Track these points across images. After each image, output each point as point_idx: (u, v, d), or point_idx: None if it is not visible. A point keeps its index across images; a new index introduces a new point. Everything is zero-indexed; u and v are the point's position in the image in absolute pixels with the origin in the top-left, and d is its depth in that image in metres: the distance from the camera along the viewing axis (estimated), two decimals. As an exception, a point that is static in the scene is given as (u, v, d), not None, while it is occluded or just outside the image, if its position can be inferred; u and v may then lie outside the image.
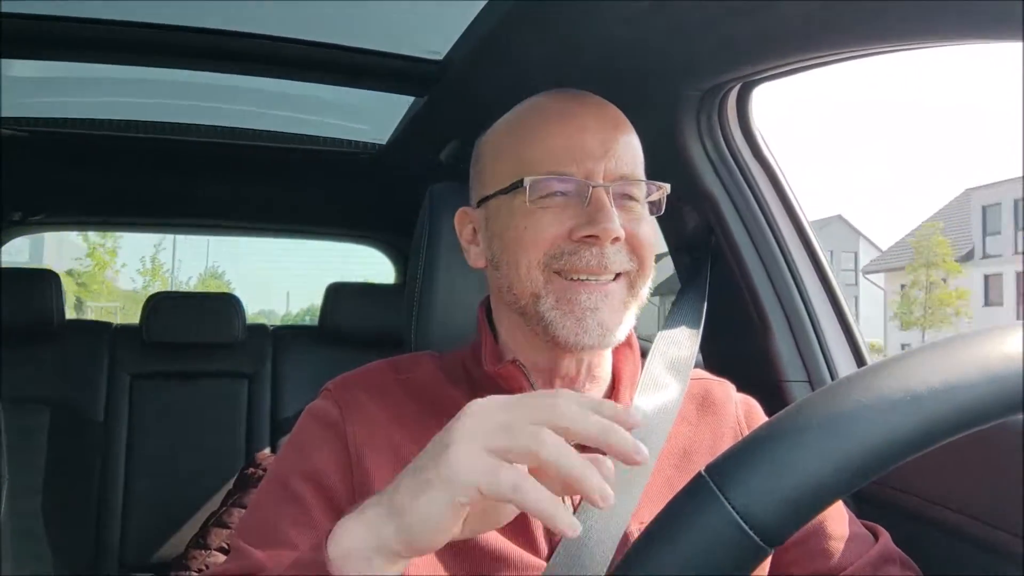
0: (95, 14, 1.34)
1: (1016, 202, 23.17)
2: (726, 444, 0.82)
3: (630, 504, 0.77)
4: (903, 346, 23.61)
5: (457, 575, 0.74)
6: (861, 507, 1.07)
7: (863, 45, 0.99)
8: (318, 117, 2.01)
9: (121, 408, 2.24)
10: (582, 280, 0.76)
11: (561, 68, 1.21)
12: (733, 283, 1.32)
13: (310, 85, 1.64)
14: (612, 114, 0.82)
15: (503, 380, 0.80)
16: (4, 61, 1.56)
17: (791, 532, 0.45)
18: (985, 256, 24.31)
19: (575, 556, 0.74)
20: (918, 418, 0.46)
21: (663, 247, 1.31)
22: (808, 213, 1.33)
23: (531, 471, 0.52)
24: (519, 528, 0.76)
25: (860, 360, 1.28)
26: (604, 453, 0.54)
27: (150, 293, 2.48)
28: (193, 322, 2.31)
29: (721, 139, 1.31)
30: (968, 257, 24.56)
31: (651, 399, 0.86)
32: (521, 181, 0.76)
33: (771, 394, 1.16)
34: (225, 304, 2.37)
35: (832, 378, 1.26)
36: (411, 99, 1.70)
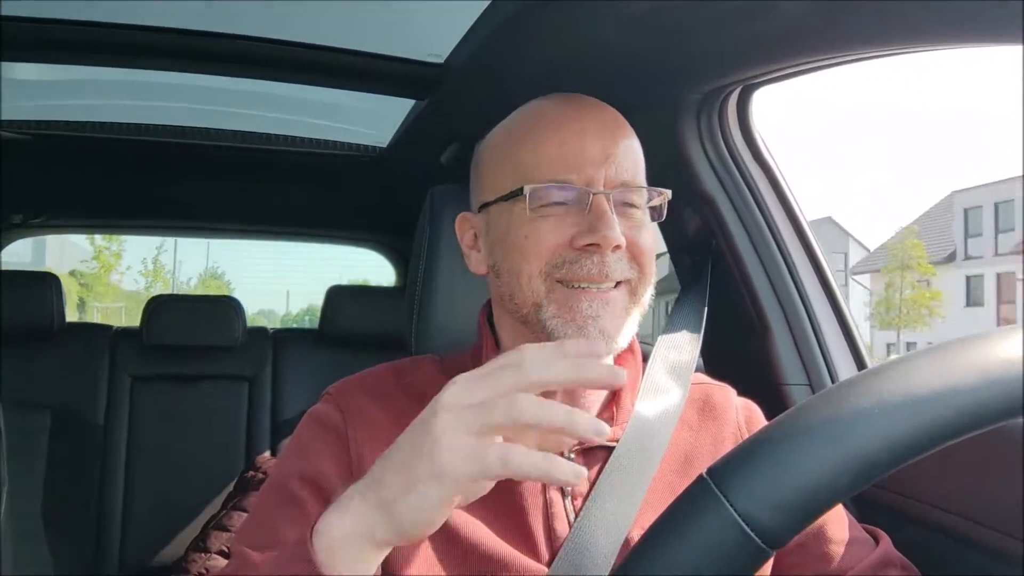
0: (96, 17, 1.34)
1: (997, 205, 23.64)
2: (727, 449, 0.82)
3: (631, 509, 0.77)
4: (888, 346, 24.00)
5: None
6: (862, 511, 1.07)
7: (864, 48, 0.99)
8: (319, 120, 2.01)
9: (121, 411, 2.24)
10: (583, 288, 0.75)
11: (562, 71, 1.22)
12: (733, 286, 1.32)
13: (311, 88, 1.65)
14: (612, 118, 0.82)
15: None
16: (5, 64, 1.56)
17: (793, 534, 0.45)
18: (967, 258, 24.76)
19: (576, 561, 0.74)
20: (919, 421, 0.46)
21: (662, 248, 1.31)
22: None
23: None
24: (521, 534, 0.76)
25: (860, 363, 1.28)
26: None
27: (152, 293, 2.49)
28: (193, 325, 2.31)
29: (721, 142, 1.31)
30: (951, 258, 25.07)
31: (652, 404, 0.86)
32: (521, 189, 0.76)
33: (771, 397, 1.16)
34: (225, 307, 2.37)
35: (832, 381, 1.26)
36: (412, 102, 1.70)
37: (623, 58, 1.16)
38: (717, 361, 1.25)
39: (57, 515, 2.06)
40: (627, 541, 0.76)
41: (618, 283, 0.77)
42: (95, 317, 17.07)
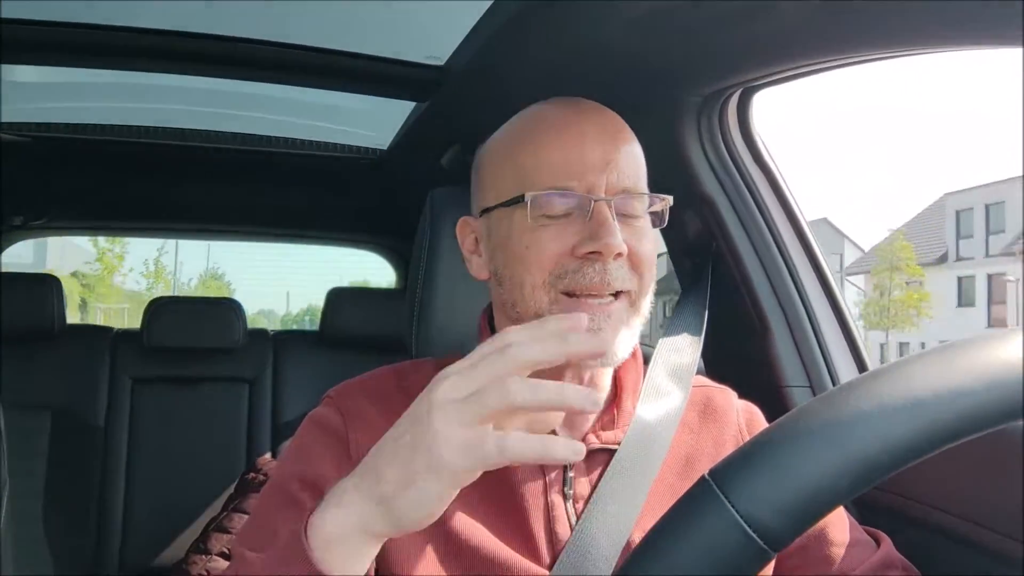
0: (97, 19, 1.34)
1: (988, 207, 24.14)
2: (728, 451, 0.81)
3: (633, 512, 0.77)
4: (881, 346, 24.27)
5: None
6: (863, 513, 1.07)
7: (864, 51, 1.00)
8: (319, 122, 2.01)
9: (122, 413, 2.24)
10: (586, 302, 0.75)
11: (562, 74, 1.22)
12: (734, 288, 1.32)
13: (311, 90, 1.65)
14: (613, 123, 0.81)
15: None
16: (5, 66, 1.56)
17: (795, 536, 0.45)
18: (959, 259, 25.23)
19: (578, 564, 0.74)
20: (920, 423, 0.46)
21: (662, 248, 1.31)
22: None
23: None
24: (522, 536, 0.76)
25: (861, 365, 1.28)
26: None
27: (154, 294, 2.49)
28: (194, 327, 2.31)
29: (722, 144, 1.31)
30: (943, 260, 25.59)
31: (654, 407, 0.86)
32: (522, 196, 0.76)
33: (772, 399, 1.16)
34: (226, 309, 2.37)
35: (833, 383, 1.26)
36: (413, 104, 1.70)
37: (623, 60, 1.16)
38: (718, 363, 1.26)
39: (57, 517, 2.06)
40: (628, 544, 0.76)
41: (619, 294, 0.76)
42: (99, 317, 17.34)
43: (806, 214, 1.33)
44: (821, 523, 0.79)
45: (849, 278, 27.85)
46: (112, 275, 19.33)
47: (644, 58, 1.15)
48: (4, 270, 2.29)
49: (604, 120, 0.81)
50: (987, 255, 24.00)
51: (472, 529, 0.75)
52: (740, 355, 1.32)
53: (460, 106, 1.56)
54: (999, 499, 0.89)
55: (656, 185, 0.82)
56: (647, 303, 0.80)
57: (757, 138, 1.32)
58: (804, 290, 1.29)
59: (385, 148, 2.04)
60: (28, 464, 2.04)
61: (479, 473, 0.55)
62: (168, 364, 2.30)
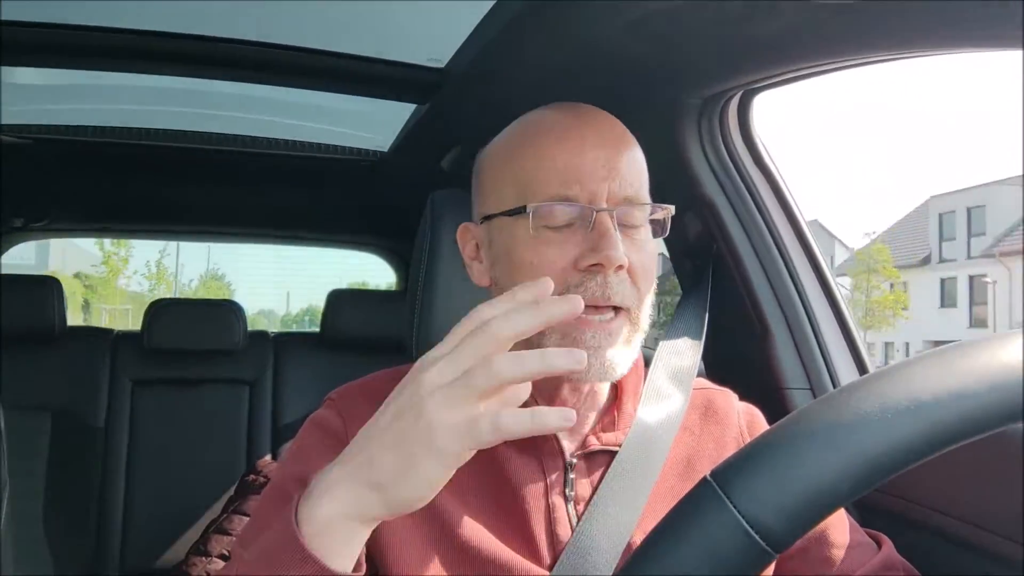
0: (96, 21, 1.35)
1: (969, 210, 24.85)
2: (729, 453, 0.82)
3: (633, 514, 0.77)
4: (869, 346, 24.84)
5: None
6: (864, 515, 1.07)
7: (865, 53, 1.00)
8: (320, 124, 2.01)
9: (122, 414, 2.24)
10: (587, 319, 0.74)
11: (562, 76, 1.22)
12: (735, 290, 1.32)
13: (311, 93, 1.65)
14: (615, 130, 0.81)
15: None
16: (5, 68, 1.56)
17: (796, 537, 0.45)
18: (941, 260, 25.92)
19: (578, 565, 0.74)
20: (922, 425, 0.46)
21: (662, 249, 1.31)
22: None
23: None
24: (523, 538, 0.76)
25: (862, 368, 1.28)
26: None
27: (156, 295, 2.50)
28: (194, 329, 2.31)
29: (722, 146, 1.31)
30: (926, 261, 26.35)
31: (654, 409, 0.86)
32: (524, 207, 0.76)
33: (772, 401, 1.16)
34: (226, 311, 2.37)
35: (834, 386, 1.26)
36: (413, 106, 1.70)
37: (624, 62, 1.17)
38: (718, 365, 1.26)
39: (58, 518, 2.06)
40: (629, 545, 0.76)
41: (618, 311, 0.76)
42: (103, 318, 17.58)
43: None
44: (822, 525, 0.79)
45: (837, 280, 28.66)
46: (117, 277, 19.79)
47: (644, 60, 1.15)
48: (7, 272, 2.28)
49: (606, 127, 0.80)
50: (968, 257, 24.68)
51: (473, 531, 0.75)
52: (740, 357, 1.32)
53: (461, 108, 1.56)
54: (999, 501, 0.89)
55: (656, 187, 0.82)
56: (646, 317, 0.79)
57: (757, 140, 1.32)
58: (804, 292, 1.29)
59: (386, 150, 2.04)
60: (28, 465, 2.04)
61: (475, 452, 0.55)
62: (168, 366, 2.30)
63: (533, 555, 0.76)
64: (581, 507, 0.78)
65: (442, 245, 1.00)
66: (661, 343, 1.03)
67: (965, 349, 0.49)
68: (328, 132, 2.05)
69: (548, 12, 1.08)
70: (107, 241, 17.74)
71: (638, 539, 0.77)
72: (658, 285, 0.86)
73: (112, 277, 19.58)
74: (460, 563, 0.74)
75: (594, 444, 0.81)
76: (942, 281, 25.66)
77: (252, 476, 2.06)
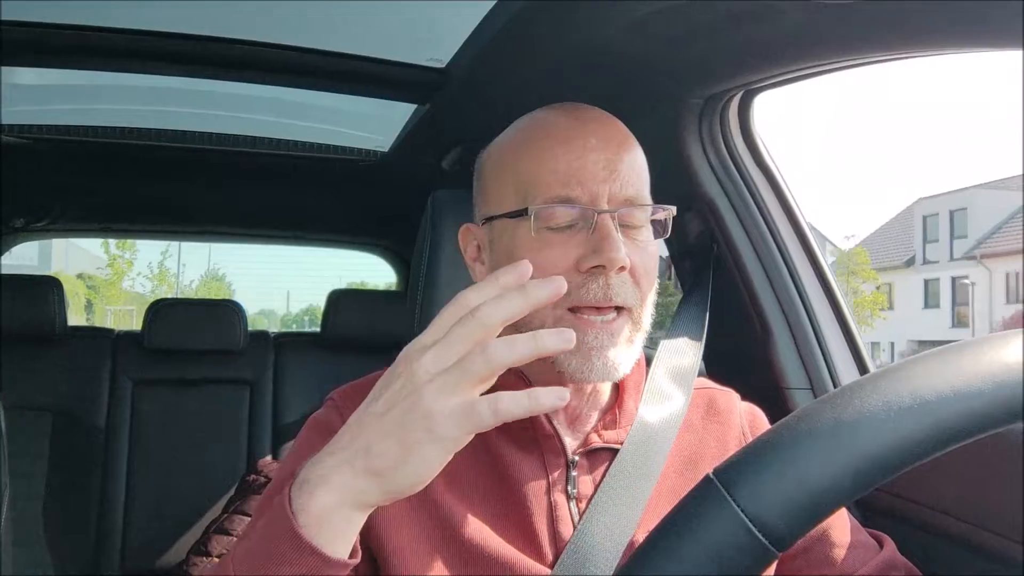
0: (97, 21, 1.35)
1: (952, 213, 25.60)
2: (731, 452, 0.82)
3: (636, 512, 0.77)
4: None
5: None
6: (865, 515, 1.07)
7: (865, 53, 1.00)
8: (321, 124, 2.01)
9: (123, 414, 2.24)
10: (589, 320, 0.75)
11: (563, 75, 1.22)
12: (735, 290, 1.32)
13: (312, 92, 1.65)
14: (616, 132, 0.81)
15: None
16: (5, 68, 1.56)
17: (799, 536, 0.45)
18: (925, 262, 26.58)
19: (580, 563, 0.74)
20: (925, 423, 0.46)
21: (663, 251, 1.31)
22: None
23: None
24: (525, 536, 0.76)
25: (862, 367, 1.28)
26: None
27: (158, 295, 2.50)
28: (195, 329, 2.31)
29: (723, 146, 1.31)
30: (910, 263, 27.03)
31: (656, 407, 0.86)
32: (526, 209, 0.76)
33: (773, 401, 1.16)
34: (227, 311, 2.37)
35: (834, 385, 1.26)
36: (414, 106, 1.70)
37: (624, 62, 1.17)
38: (719, 365, 1.25)
39: (58, 518, 2.06)
40: (631, 543, 0.76)
41: (620, 311, 0.76)
42: (108, 318, 17.79)
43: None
44: (824, 524, 0.79)
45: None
46: (122, 279, 20.27)
47: (645, 60, 1.15)
48: (10, 272, 2.28)
49: (607, 128, 0.81)
50: (951, 259, 25.38)
51: (475, 529, 0.75)
52: (741, 357, 1.32)
53: (461, 108, 1.56)
54: (1000, 501, 0.89)
55: (657, 187, 0.82)
56: (648, 316, 0.80)
57: (758, 140, 1.32)
58: (805, 292, 1.29)
59: (386, 150, 2.04)
60: (29, 466, 2.04)
61: (472, 436, 0.56)
62: (169, 366, 2.30)
63: (535, 553, 0.76)
64: (583, 505, 0.78)
65: (443, 245, 1.00)
66: (662, 342, 1.03)
67: (967, 348, 0.49)
68: (329, 132, 2.05)
69: (548, 12, 1.08)
70: (112, 244, 18.25)
71: (640, 537, 0.77)
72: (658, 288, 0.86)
73: (117, 279, 20.04)
74: (462, 561, 0.74)
75: (596, 442, 0.81)
76: (926, 282, 26.35)
77: (253, 476, 2.06)
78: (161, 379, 2.30)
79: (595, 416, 0.83)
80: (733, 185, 1.31)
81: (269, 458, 2.25)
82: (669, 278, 1.43)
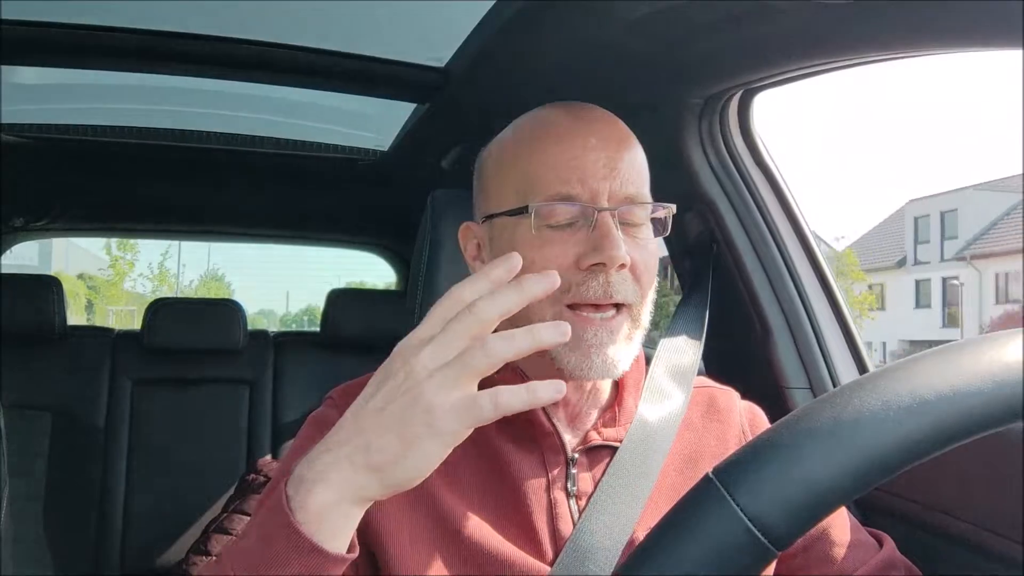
0: (97, 20, 1.35)
1: (943, 214, 25.98)
2: (731, 451, 0.82)
3: (635, 509, 0.78)
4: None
5: None
6: (865, 514, 1.07)
7: (864, 53, 1.00)
8: (320, 124, 2.01)
9: (122, 414, 2.24)
10: (588, 317, 0.75)
11: (563, 75, 1.22)
12: (735, 289, 1.32)
13: (312, 92, 1.65)
14: (617, 130, 0.81)
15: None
16: (5, 67, 1.56)
17: (799, 535, 0.45)
18: (916, 263, 26.91)
19: (580, 561, 0.74)
20: (925, 423, 0.46)
21: (663, 252, 1.31)
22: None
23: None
24: (525, 533, 0.76)
25: (862, 367, 1.28)
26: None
27: (157, 296, 2.50)
28: (194, 328, 2.31)
29: (723, 146, 1.31)
30: (902, 263, 27.38)
31: (655, 405, 0.86)
32: (526, 207, 0.76)
33: (772, 400, 1.16)
34: (226, 310, 2.37)
35: (833, 385, 1.26)
36: (414, 106, 1.70)
37: (624, 62, 1.17)
38: (718, 364, 1.26)
39: (58, 518, 2.06)
40: (631, 541, 0.76)
41: (620, 308, 0.77)
42: (110, 318, 17.94)
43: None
44: (823, 523, 0.79)
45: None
46: (123, 280, 20.49)
47: (645, 60, 1.15)
48: (10, 272, 2.28)
49: (607, 127, 0.81)
50: (942, 260, 25.73)
51: (475, 527, 0.75)
52: (740, 356, 1.32)
53: (461, 107, 1.56)
54: (1000, 501, 0.89)
55: (657, 187, 0.82)
56: (647, 314, 0.80)
57: (758, 139, 1.32)
58: (804, 291, 1.29)
59: (386, 149, 2.04)
60: (28, 465, 2.04)
61: (472, 429, 0.57)
62: (168, 365, 2.30)
63: (535, 550, 0.76)
64: (583, 502, 0.78)
65: (442, 244, 1.00)
66: (662, 341, 1.03)
67: (967, 347, 0.50)
68: (328, 131, 2.05)
69: (548, 12, 1.08)
70: (114, 246, 18.44)
71: (640, 535, 0.77)
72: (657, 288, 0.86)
73: (119, 280, 20.28)
74: (462, 560, 0.74)
75: (595, 440, 0.81)
76: (917, 283, 26.70)
77: (252, 475, 2.06)
78: (161, 378, 2.30)
79: (595, 414, 0.83)
80: (733, 185, 1.31)
81: (269, 457, 2.25)
82: (665, 277, 1.43)
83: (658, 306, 0.85)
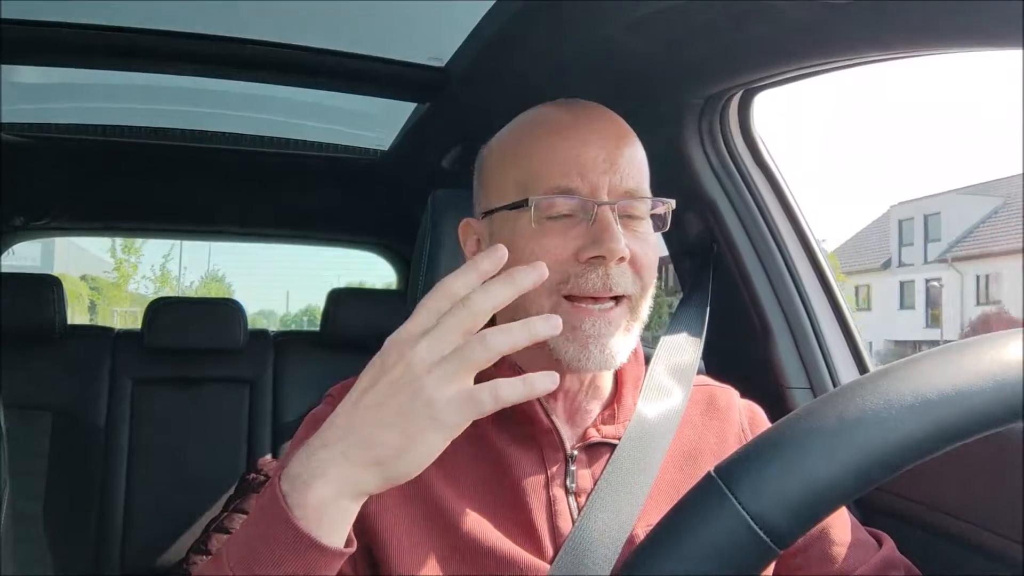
0: (98, 20, 1.35)
1: (926, 217, 26.52)
2: (730, 449, 0.82)
3: (635, 506, 0.78)
4: None
5: None
6: (865, 514, 1.07)
7: (864, 53, 1.00)
8: (321, 123, 2.01)
9: (123, 413, 2.24)
10: (586, 308, 0.76)
11: (563, 75, 1.22)
12: (735, 289, 1.32)
13: (312, 91, 1.65)
14: (616, 126, 0.81)
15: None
16: (5, 67, 1.56)
17: (801, 533, 0.45)
18: (901, 265, 27.35)
19: (579, 558, 0.74)
20: (926, 422, 0.46)
21: (663, 251, 1.31)
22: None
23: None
24: (524, 531, 0.76)
25: (862, 367, 1.28)
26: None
27: (158, 296, 2.49)
28: (195, 328, 2.31)
29: (723, 146, 1.31)
30: (887, 265, 27.81)
31: (655, 403, 0.87)
32: (526, 200, 0.76)
33: (772, 400, 1.16)
34: (227, 310, 2.37)
35: (834, 384, 1.26)
36: (414, 105, 1.70)
37: (624, 62, 1.17)
38: (718, 364, 1.25)
39: (58, 517, 2.06)
40: (631, 538, 0.76)
41: (619, 300, 0.77)
42: (114, 319, 18.06)
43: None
44: (823, 522, 0.79)
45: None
46: (127, 282, 20.69)
47: (645, 60, 1.15)
48: (12, 272, 2.28)
49: (607, 123, 0.81)
50: (925, 262, 26.21)
51: (474, 524, 0.75)
52: (741, 356, 1.32)
53: (461, 107, 1.56)
54: (1000, 501, 0.89)
55: (657, 186, 0.83)
56: (646, 307, 0.80)
57: (758, 139, 1.32)
58: (805, 291, 1.29)
59: (387, 149, 2.04)
60: (29, 465, 2.03)
61: (471, 422, 0.57)
62: (169, 365, 2.30)
63: (534, 547, 0.76)
64: (582, 499, 0.79)
65: (443, 243, 1.00)
66: (662, 339, 1.03)
67: (968, 347, 0.50)
68: (329, 131, 2.05)
69: (548, 12, 1.08)
70: (119, 249, 18.63)
71: (639, 532, 0.77)
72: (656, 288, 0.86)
73: (123, 282, 20.50)
74: (461, 557, 0.74)
75: (595, 436, 0.81)
76: (901, 284, 27.10)
77: (253, 475, 2.06)
78: (161, 378, 2.30)
79: (594, 410, 0.83)
80: (733, 185, 1.31)
81: (269, 457, 2.25)
82: (660, 278, 1.43)
83: (654, 305, 0.85)
